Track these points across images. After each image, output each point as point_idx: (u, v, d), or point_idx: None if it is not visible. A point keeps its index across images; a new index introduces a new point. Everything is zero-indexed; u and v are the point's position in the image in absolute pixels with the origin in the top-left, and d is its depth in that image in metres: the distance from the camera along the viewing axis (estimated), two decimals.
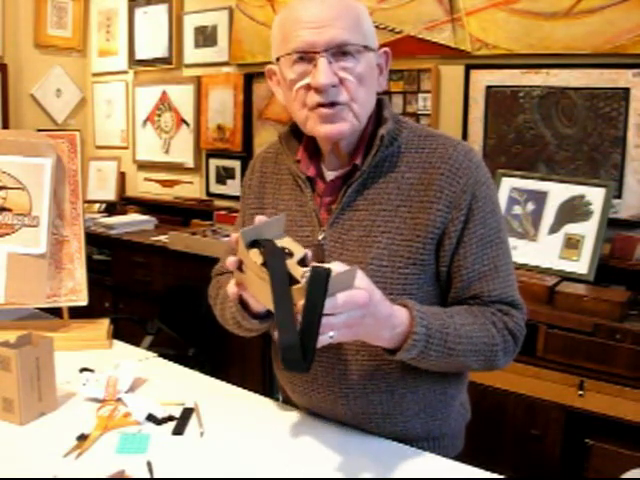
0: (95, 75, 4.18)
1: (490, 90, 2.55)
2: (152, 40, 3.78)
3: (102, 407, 1.21)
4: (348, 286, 0.87)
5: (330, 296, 0.84)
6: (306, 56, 1.05)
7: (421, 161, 1.10)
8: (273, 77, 1.16)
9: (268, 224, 0.95)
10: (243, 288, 1.00)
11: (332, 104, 1.05)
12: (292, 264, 0.90)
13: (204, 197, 3.66)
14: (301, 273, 0.88)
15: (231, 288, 1.02)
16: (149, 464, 1.02)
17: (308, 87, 1.06)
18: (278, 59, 1.09)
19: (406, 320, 0.98)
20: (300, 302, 0.84)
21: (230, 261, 0.97)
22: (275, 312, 0.86)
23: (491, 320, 1.08)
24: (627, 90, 2.23)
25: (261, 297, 0.93)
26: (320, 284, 0.82)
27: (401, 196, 1.09)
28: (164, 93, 3.77)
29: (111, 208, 3.89)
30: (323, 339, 0.86)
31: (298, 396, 1.22)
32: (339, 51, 1.04)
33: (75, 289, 1.61)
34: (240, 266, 0.96)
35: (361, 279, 0.89)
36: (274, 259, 0.89)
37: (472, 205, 1.08)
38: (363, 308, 0.88)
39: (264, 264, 0.89)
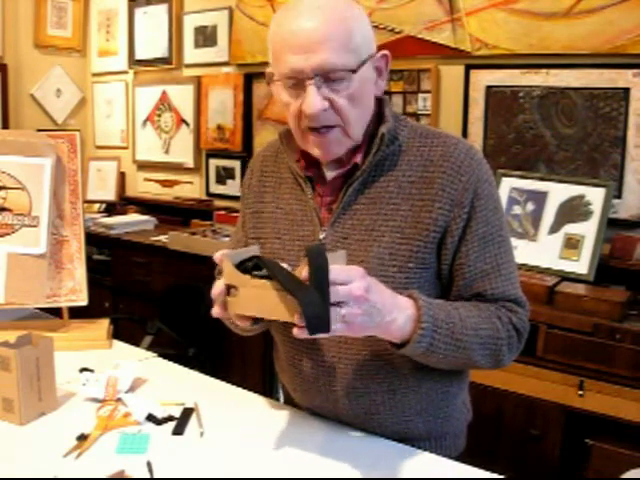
0: (95, 75, 4.18)
1: (490, 90, 2.55)
2: (152, 40, 3.78)
3: (102, 407, 1.21)
4: (341, 263, 0.93)
5: None
6: (296, 80, 1.03)
7: (422, 159, 1.10)
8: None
9: (247, 250, 0.99)
10: (226, 314, 0.99)
11: (324, 127, 1.05)
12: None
13: (204, 197, 3.66)
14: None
15: (216, 310, 1.00)
16: (149, 464, 1.02)
17: (300, 111, 1.05)
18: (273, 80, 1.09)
19: (413, 308, 0.99)
20: (304, 270, 0.86)
21: (217, 290, 0.97)
22: (288, 287, 0.87)
23: (496, 314, 1.08)
24: (627, 90, 2.23)
25: (264, 309, 0.92)
26: (318, 250, 0.88)
27: (402, 194, 1.09)
28: (164, 93, 3.77)
29: (111, 208, 3.89)
30: (335, 315, 0.87)
31: (299, 396, 1.22)
32: (328, 75, 1.02)
33: (75, 289, 1.61)
34: (228, 292, 0.96)
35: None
36: (269, 262, 0.93)
37: (474, 203, 1.08)
38: (361, 279, 0.90)
39: (255, 276, 0.92)
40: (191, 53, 3.60)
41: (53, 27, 3.93)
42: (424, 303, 1.00)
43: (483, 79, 2.56)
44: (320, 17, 1.01)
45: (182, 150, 3.72)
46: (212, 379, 1.40)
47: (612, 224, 2.22)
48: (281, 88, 1.07)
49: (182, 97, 3.67)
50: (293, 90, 1.05)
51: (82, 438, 1.10)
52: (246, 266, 0.95)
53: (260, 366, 2.79)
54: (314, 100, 1.01)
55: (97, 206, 3.95)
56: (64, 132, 1.73)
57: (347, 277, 0.89)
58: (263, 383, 2.75)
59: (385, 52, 1.11)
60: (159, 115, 3.82)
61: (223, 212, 3.36)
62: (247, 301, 0.94)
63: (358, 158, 1.11)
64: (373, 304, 0.92)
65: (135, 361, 1.38)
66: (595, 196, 2.23)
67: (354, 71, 1.03)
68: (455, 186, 1.07)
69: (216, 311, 1.00)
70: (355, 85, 1.04)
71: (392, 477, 1.02)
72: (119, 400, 1.23)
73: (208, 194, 3.63)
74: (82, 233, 1.63)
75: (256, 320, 1.06)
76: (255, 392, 1.32)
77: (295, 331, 0.89)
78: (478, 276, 1.09)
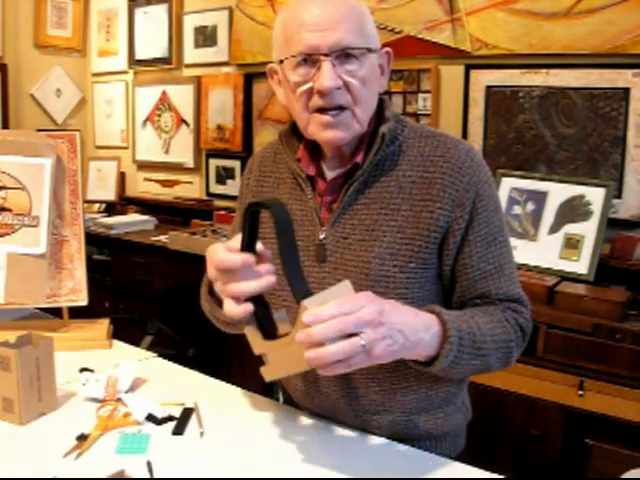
0: (95, 75, 4.18)
1: (490, 90, 2.55)
2: (152, 40, 3.78)
3: (102, 407, 1.21)
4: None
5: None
6: (310, 59, 1.04)
7: (422, 160, 1.10)
8: (274, 76, 1.16)
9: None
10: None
11: (335, 108, 1.05)
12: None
13: (204, 197, 3.66)
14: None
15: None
16: (149, 464, 1.02)
17: (311, 90, 1.06)
18: (281, 61, 1.09)
19: (437, 324, 0.98)
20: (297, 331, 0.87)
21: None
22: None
23: (504, 317, 1.09)
24: (627, 90, 2.23)
25: (294, 364, 0.90)
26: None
27: (403, 194, 1.09)
28: (164, 93, 3.77)
29: (111, 208, 3.89)
30: (355, 346, 0.83)
31: (299, 396, 1.22)
32: (343, 54, 1.04)
33: (75, 289, 1.61)
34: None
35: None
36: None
37: (476, 204, 1.08)
38: (371, 304, 0.87)
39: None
40: (191, 53, 3.60)
41: (53, 27, 3.93)
42: (448, 317, 0.99)
43: (483, 79, 2.56)
44: (334, 3, 1.05)
45: (182, 150, 3.72)
46: (212, 379, 1.40)
47: (612, 224, 2.22)
48: (290, 71, 1.07)
49: (182, 97, 3.67)
50: (305, 69, 1.05)
51: (82, 438, 1.10)
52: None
53: (260, 366, 2.78)
54: (329, 76, 1.02)
55: (97, 206, 3.95)
56: (64, 132, 1.73)
57: (354, 305, 0.85)
58: (263, 383, 2.74)
59: (388, 49, 1.13)
60: (159, 115, 3.82)
61: (223, 212, 3.36)
62: (278, 363, 0.93)
63: (359, 158, 1.11)
64: (392, 326, 0.89)
65: (135, 361, 1.38)
66: (595, 196, 2.23)
67: (369, 50, 1.06)
68: (456, 187, 1.07)
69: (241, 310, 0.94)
70: (366, 68, 1.06)
71: (392, 477, 1.02)
72: (119, 400, 1.23)
73: (208, 194, 3.63)
74: (82, 233, 1.62)
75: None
76: (255, 392, 1.32)
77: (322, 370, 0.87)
78: (482, 276, 1.09)
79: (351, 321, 0.84)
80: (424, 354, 0.98)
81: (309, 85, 1.05)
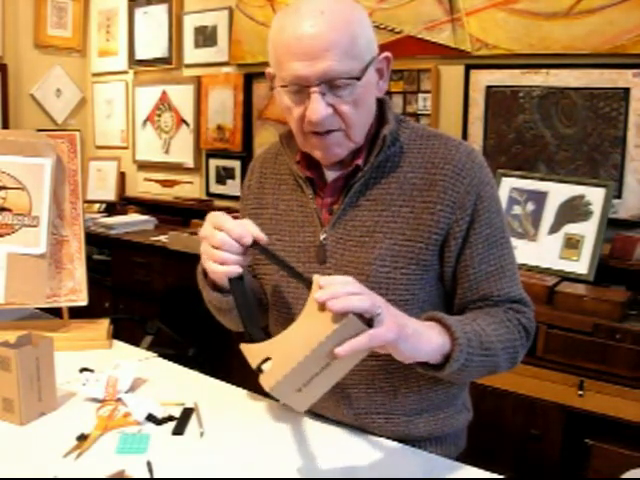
0: (95, 75, 4.18)
1: (490, 90, 2.55)
2: (152, 40, 3.78)
3: (102, 407, 1.21)
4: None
5: None
6: (299, 87, 1.03)
7: (423, 161, 1.10)
8: (272, 80, 1.16)
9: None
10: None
11: (327, 132, 1.05)
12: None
13: (204, 197, 3.66)
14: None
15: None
16: (149, 464, 1.02)
17: (304, 115, 1.05)
18: (274, 77, 1.09)
19: (438, 325, 0.99)
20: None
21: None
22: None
23: (506, 317, 1.09)
24: (627, 90, 2.23)
25: (299, 350, 0.86)
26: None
27: (404, 196, 1.09)
28: (164, 93, 3.77)
29: (111, 208, 3.89)
30: (374, 301, 0.88)
31: None
32: (332, 83, 1.02)
33: (75, 289, 1.61)
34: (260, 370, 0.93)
35: None
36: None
37: (477, 205, 1.08)
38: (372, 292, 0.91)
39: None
40: (191, 53, 3.60)
41: (53, 27, 3.93)
42: (452, 322, 0.99)
43: (483, 79, 2.56)
44: (324, 23, 1.00)
45: (182, 150, 3.72)
46: (212, 379, 1.40)
47: (612, 224, 2.22)
48: (283, 93, 1.07)
49: (182, 97, 3.67)
50: (296, 96, 1.04)
51: (82, 438, 1.10)
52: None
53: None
54: (319, 107, 1.01)
55: (97, 206, 3.95)
56: (64, 132, 1.73)
57: (343, 279, 0.91)
58: None
59: (387, 54, 1.10)
60: (159, 115, 3.82)
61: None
62: (281, 357, 0.88)
63: (360, 160, 1.11)
64: (391, 310, 0.91)
65: (135, 361, 1.38)
66: (595, 196, 2.23)
67: (358, 78, 1.02)
68: (457, 189, 1.07)
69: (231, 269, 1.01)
70: (358, 91, 1.04)
71: (392, 477, 1.02)
72: (119, 400, 1.23)
73: (208, 194, 3.63)
74: (82, 233, 1.62)
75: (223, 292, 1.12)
76: (255, 392, 1.32)
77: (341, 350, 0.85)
78: (483, 278, 1.09)
79: (364, 287, 0.89)
80: (438, 350, 0.97)
81: (301, 112, 1.05)
